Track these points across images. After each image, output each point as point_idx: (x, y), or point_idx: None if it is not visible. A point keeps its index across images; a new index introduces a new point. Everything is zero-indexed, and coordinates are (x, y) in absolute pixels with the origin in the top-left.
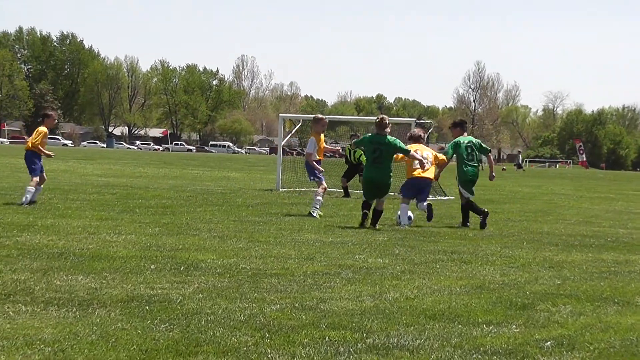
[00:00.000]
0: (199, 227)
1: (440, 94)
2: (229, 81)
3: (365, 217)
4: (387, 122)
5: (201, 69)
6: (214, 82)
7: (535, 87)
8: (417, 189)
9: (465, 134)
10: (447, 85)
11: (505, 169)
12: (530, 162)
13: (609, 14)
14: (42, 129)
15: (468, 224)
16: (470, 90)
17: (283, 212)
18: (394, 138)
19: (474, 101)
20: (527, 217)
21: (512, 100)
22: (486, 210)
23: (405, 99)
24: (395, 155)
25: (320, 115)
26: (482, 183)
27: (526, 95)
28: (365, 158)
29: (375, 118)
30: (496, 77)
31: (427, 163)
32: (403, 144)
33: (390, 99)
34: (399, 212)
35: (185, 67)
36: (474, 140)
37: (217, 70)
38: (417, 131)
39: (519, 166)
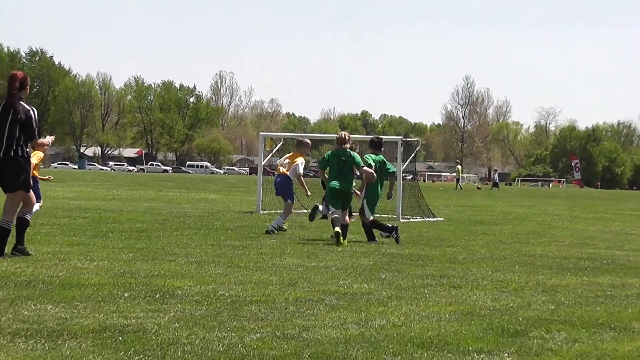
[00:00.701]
0: (175, 252)
1: (428, 110)
2: (207, 98)
3: (339, 236)
4: (347, 137)
5: (177, 86)
6: (191, 99)
7: (527, 103)
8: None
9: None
10: (435, 102)
11: (480, 188)
12: (522, 180)
13: (604, 26)
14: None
15: (376, 240)
16: (459, 106)
17: (264, 235)
18: (354, 153)
19: (463, 117)
20: (520, 239)
21: (502, 117)
22: (395, 225)
23: (391, 115)
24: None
25: (307, 140)
26: (472, 203)
27: (517, 111)
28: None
29: (337, 135)
30: (486, 92)
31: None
32: (360, 160)
33: (376, 115)
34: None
35: (160, 84)
36: (382, 160)
37: (194, 87)
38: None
39: (495, 185)
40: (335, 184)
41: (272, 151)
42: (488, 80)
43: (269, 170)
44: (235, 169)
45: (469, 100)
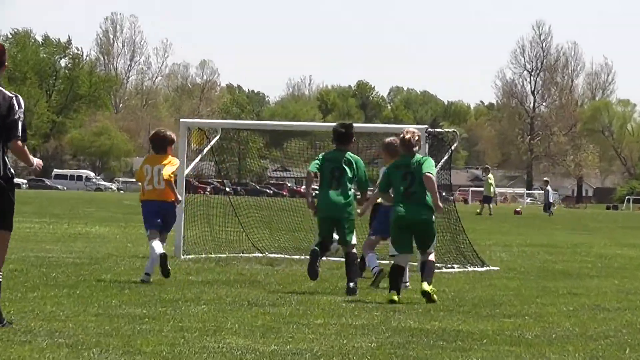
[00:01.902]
0: (31, 327)
1: (471, 82)
2: (91, 60)
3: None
4: (416, 138)
5: (40, 39)
6: (63, 62)
7: None
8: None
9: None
10: (485, 67)
11: (520, 212)
12: (635, 201)
13: None
14: None
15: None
16: (525, 73)
17: (186, 297)
18: (426, 158)
19: (532, 92)
20: (631, 304)
21: (601, 92)
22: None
23: (408, 89)
24: None
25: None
26: (549, 241)
27: (625, 82)
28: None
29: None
30: (572, 49)
31: None
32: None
33: (382, 89)
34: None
35: (10, 35)
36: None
37: (69, 41)
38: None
39: (548, 207)
40: (401, 210)
41: (201, 150)
42: (575, 30)
43: (197, 183)
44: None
45: (542, 63)
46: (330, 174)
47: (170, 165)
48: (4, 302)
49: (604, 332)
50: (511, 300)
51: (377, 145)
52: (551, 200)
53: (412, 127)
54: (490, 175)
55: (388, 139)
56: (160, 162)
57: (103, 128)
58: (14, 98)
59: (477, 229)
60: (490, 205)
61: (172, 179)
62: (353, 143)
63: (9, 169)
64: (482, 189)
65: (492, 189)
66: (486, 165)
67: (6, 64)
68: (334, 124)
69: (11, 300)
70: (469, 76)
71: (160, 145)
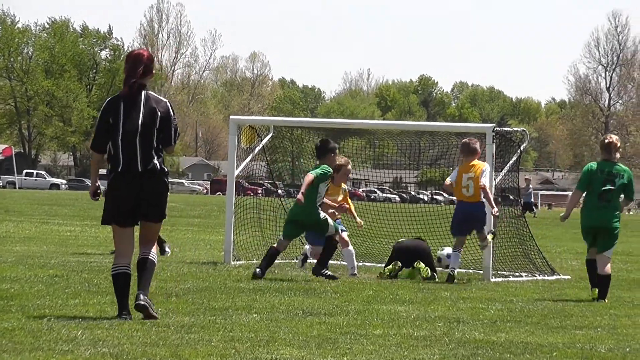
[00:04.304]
0: (74, 335)
1: (542, 77)
2: (133, 49)
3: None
4: (619, 144)
5: (79, 28)
6: (104, 54)
7: None
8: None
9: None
10: (556, 61)
11: (535, 215)
12: None
13: None
14: None
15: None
16: (600, 68)
17: (237, 305)
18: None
19: (608, 89)
20: None
21: None
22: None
23: (474, 85)
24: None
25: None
26: (624, 248)
27: None
28: None
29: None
30: None
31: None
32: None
33: (446, 86)
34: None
35: (48, 25)
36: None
37: (110, 31)
38: (472, 142)
39: (531, 208)
40: (592, 215)
41: (253, 150)
42: None
43: (247, 185)
44: (185, 182)
45: (618, 57)
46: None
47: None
48: (44, 308)
49: None
50: (583, 312)
51: (440, 145)
52: (531, 201)
53: (462, 124)
54: (527, 179)
55: (465, 139)
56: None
57: None
58: (169, 103)
59: (548, 235)
60: (535, 211)
61: None
62: (330, 157)
63: (161, 165)
64: (553, 192)
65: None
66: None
67: (154, 72)
68: (394, 122)
69: (52, 307)
70: (539, 71)
71: None
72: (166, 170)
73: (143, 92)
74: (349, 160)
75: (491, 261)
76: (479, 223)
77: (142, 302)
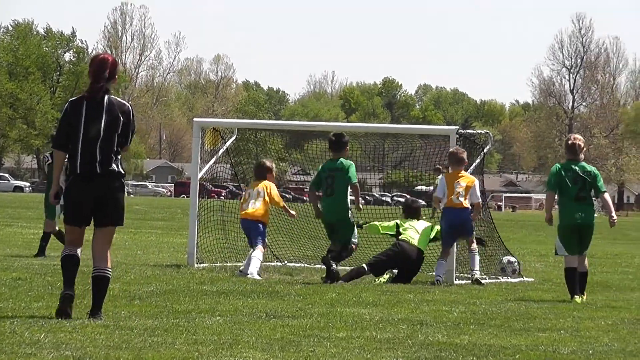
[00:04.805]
0: (36, 338)
1: (506, 80)
2: (97, 53)
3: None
4: (583, 145)
5: (42, 31)
6: (68, 56)
7: None
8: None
9: None
10: (520, 64)
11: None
12: None
13: None
14: None
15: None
16: (564, 70)
17: (200, 308)
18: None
19: (571, 91)
20: None
21: None
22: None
23: (438, 88)
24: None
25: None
26: (588, 251)
27: None
28: None
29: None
30: (614, 45)
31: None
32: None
33: (410, 87)
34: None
35: (11, 27)
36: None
37: (74, 33)
38: (459, 152)
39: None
40: (576, 215)
41: (216, 152)
42: (617, 24)
43: (211, 187)
44: (149, 184)
45: (582, 59)
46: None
47: None
48: (7, 311)
49: None
50: (546, 314)
51: (404, 147)
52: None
53: (425, 126)
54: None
55: (452, 149)
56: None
57: None
58: (130, 107)
59: (512, 237)
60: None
61: None
62: (346, 151)
63: (119, 168)
64: (517, 194)
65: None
66: (437, 166)
67: (117, 76)
68: (358, 124)
69: (15, 310)
70: (503, 73)
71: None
72: (123, 173)
73: (106, 97)
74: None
75: (454, 261)
76: (469, 229)
77: (68, 302)
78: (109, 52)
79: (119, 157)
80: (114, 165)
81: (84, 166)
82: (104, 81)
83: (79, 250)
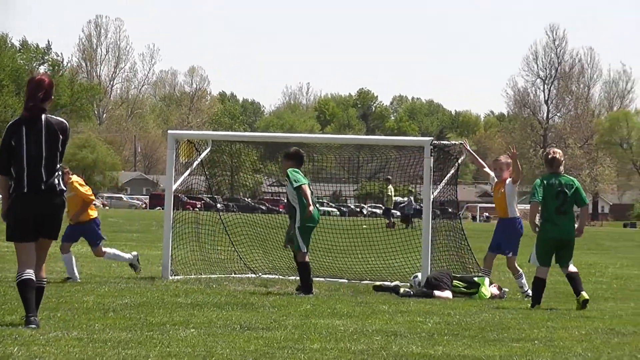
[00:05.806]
0: (9, 352)
1: (481, 91)
2: (72, 66)
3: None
4: (562, 158)
5: (17, 43)
6: (43, 69)
7: None
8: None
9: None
10: (495, 74)
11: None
12: None
13: None
14: None
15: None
16: (538, 81)
17: (175, 320)
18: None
19: (546, 102)
20: None
21: (619, 102)
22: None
23: (413, 99)
24: None
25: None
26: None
27: None
28: None
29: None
30: (588, 55)
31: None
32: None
33: (384, 99)
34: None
35: None
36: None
37: (50, 46)
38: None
39: (406, 219)
40: (555, 228)
41: (191, 163)
42: (590, 35)
43: (186, 199)
44: (124, 197)
45: (556, 70)
46: None
47: None
48: None
49: (618, 357)
50: (520, 324)
51: (379, 159)
52: (408, 211)
53: (400, 137)
54: (390, 187)
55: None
56: None
57: (85, 140)
58: (67, 124)
59: (485, 247)
60: (392, 219)
61: None
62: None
63: (60, 183)
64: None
65: (392, 202)
66: (387, 177)
67: (52, 97)
68: (333, 135)
69: None
70: (478, 84)
71: None
72: (65, 189)
73: (43, 116)
74: None
75: (428, 270)
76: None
77: (34, 325)
78: (84, 65)
79: (60, 173)
80: (56, 182)
81: (31, 185)
82: (38, 101)
83: (32, 272)
